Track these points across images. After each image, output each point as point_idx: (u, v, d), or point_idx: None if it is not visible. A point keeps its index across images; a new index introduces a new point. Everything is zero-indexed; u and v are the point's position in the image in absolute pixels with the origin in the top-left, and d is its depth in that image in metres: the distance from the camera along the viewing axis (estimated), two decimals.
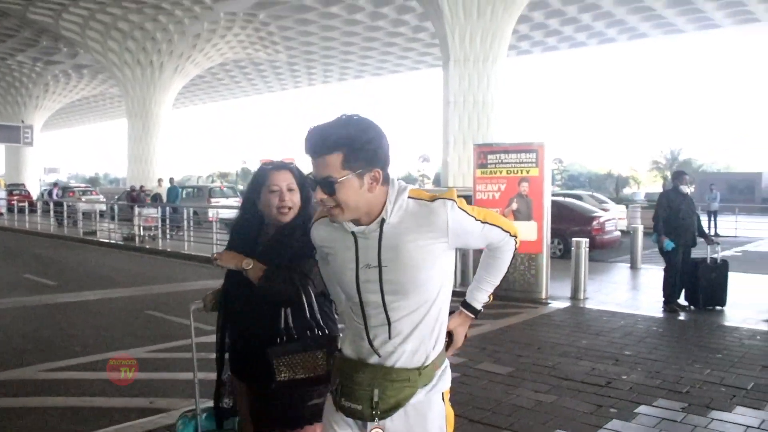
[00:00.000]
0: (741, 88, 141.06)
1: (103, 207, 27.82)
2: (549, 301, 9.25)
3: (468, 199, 9.69)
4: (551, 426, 4.41)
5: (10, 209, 29.97)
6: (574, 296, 9.42)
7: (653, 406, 4.82)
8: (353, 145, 1.84)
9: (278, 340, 2.42)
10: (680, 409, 4.77)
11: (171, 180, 23.48)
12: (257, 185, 2.59)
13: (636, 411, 4.71)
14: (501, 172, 9.73)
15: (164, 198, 21.23)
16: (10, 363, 6.14)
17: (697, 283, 8.61)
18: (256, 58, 59.83)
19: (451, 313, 2.08)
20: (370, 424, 1.96)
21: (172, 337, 6.99)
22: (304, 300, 2.43)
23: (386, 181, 1.93)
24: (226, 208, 20.83)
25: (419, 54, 58.88)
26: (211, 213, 21.56)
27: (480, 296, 2.18)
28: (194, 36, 48.53)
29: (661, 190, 52.32)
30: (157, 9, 44.29)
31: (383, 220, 1.91)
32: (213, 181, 67.46)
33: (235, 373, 2.66)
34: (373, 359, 1.97)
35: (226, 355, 2.71)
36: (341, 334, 2.17)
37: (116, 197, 32.72)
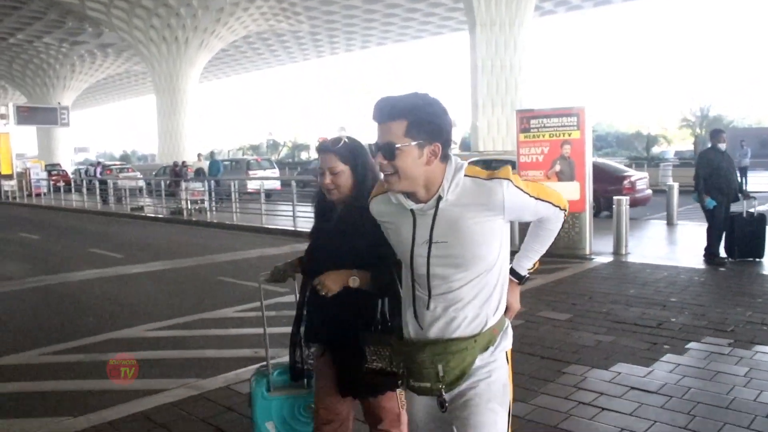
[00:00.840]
0: None
1: (142, 183, 28.81)
2: (593, 256, 9.78)
3: (512, 164, 10.19)
4: (614, 360, 4.98)
5: (50, 189, 31.04)
6: (617, 251, 9.93)
7: (702, 342, 5.38)
8: (417, 115, 1.93)
9: (372, 328, 2.50)
10: (726, 344, 5.31)
11: (212, 154, 24.21)
12: (317, 165, 2.74)
13: (687, 347, 5.26)
14: (544, 136, 10.22)
15: (206, 172, 21.93)
16: (117, 324, 6.87)
17: (734, 236, 9.09)
18: (279, 30, 59.98)
19: None
20: (438, 398, 2.05)
21: (251, 299, 7.62)
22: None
23: (445, 158, 2.00)
24: (271, 179, 21.57)
25: (442, 18, 58.66)
26: (250, 185, 22.34)
27: (526, 263, 2.26)
28: (218, 10, 48.85)
29: (691, 147, 51.94)
30: None
31: (440, 198, 1.98)
32: (243, 154, 68.05)
33: (322, 342, 2.74)
34: (431, 333, 2.05)
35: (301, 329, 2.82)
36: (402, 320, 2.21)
37: (153, 173, 33.68)
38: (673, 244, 11.54)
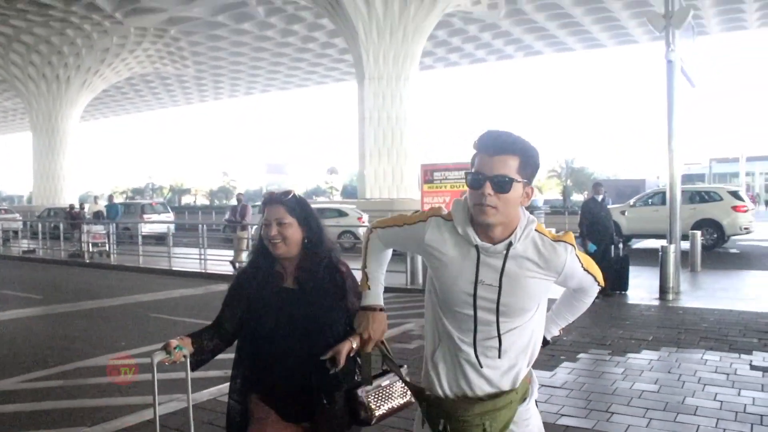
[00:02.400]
0: (625, 102, 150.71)
1: (20, 225, 28.34)
2: None
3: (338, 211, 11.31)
4: None
5: None
6: None
7: (589, 353, 6.79)
8: (527, 155, 1.96)
9: (355, 377, 2.53)
10: (607, 354, 6.76)
11: (110, 198, 24.25)
12: (261, 218, 2.66)
13: (578, 357, 6.65)
14: (446, 186, 11.67)
15: (104, 215, 22.05)
16: (40, 365, 7.49)
17: (606, 273, 10.80)
18: (164, 73, 59.64)
19: None
20: None
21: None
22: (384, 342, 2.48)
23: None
24: (158, 223, 21.91)
25: (326, 69, 60.45)
26: (146, 228, 22.68)
27: (553, 329, 2.32)
28: (103, 50, 48.19)
29: (560, 196, 55.78)
30: (65, 23, 43.68)
31: (510, 244, 1.99)
32: (127, 198, 66.43)
33: (281, 412, 2.59)
34: (480, 392, 2.04)
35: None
36: (430, 375, 2.16)
37: (36, 215, 32.97)
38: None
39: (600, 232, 10.67)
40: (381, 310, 2.26)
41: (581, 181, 66.54)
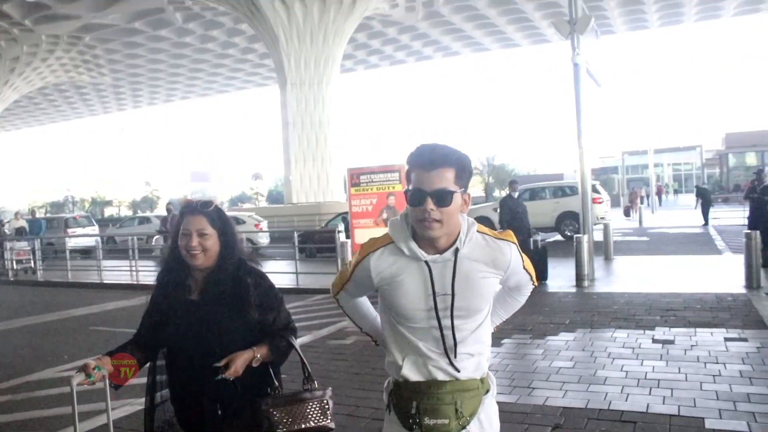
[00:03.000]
0: (541, 99, 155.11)
1: None
2: None
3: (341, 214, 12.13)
4: None
5: None
6: None
7: (512, 338, 7.38)
8: (462, 165, 2.03)
9: (269, 390, 2.52)
10: (528, 338, 7.39)
11: (33, 212, 23.75)
12: (178, 226, 2.59)
13: (502, 342, 7.23)
14: (372, 189, 12.15)
15: (27, 231, 21.63)
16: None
17: None
18: (80, 82, 58.27)
19: None
20: None
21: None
22: (300, 353, 2.58)
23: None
24: (87, 237, 21.61)
25: (247, 74, 60.25)
26: (71, 243, 22.35)
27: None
28: (12, 59, 46.86)
29: (482, 193, 57.22)
30: None
31: (457, 249, 2.06)
32: (46, 212, 64.35)
33: (185, 424, 2.60)
34: (450, 375, 2.10)
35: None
36: (396, 363, 2.17)
37: None
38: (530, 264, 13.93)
39: (518, 226, 11.37)
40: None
41: (502, 178, 68.26)
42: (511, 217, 11.44)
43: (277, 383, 2.54)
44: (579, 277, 11.06)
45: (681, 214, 33.41)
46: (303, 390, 2.52)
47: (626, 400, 5.09)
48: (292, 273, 13.57)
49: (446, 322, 2.08)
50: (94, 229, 26.69)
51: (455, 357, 2.09)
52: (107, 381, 2.54)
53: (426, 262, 2.06)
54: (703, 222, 24.81)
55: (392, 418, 2.19)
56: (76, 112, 75.69)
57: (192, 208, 2.56)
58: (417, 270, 2.08)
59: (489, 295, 2.14)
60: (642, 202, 46.87)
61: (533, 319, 8.38)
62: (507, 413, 4.81)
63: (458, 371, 2.09)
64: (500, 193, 56.64)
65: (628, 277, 12.05)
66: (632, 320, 8.01)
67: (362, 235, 12.07)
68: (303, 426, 2.45)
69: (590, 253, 11.32)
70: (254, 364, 2.44)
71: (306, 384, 2.54)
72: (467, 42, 52.27)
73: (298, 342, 2.64)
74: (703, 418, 4.59)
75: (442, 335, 2.09)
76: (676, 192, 64.28)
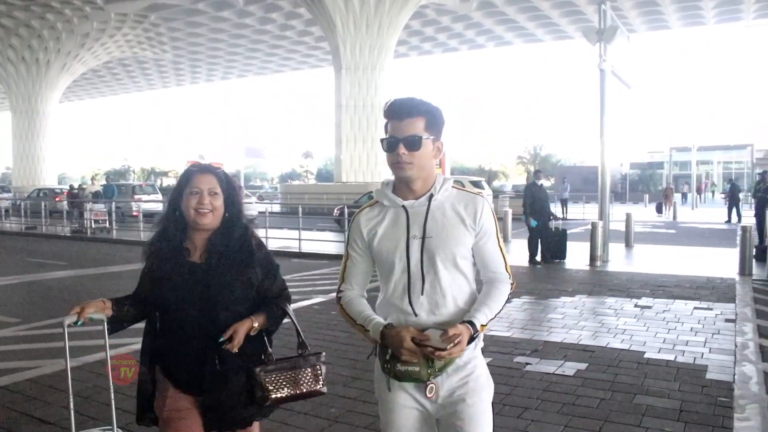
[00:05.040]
0: (590, 91, 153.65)
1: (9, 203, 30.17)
2: None
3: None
4: None
5: None
6: None
7: (520, 298, 9.02)
8: (432, 114, 2.24)
9: (263, 357, 2.53)
10: (534, 298, 9.04)
11: (108, 178, 26.05)
12: (181, 187, 2.56)
13: (511, 300, 8.87)
14: None
15: (102, 194, 23.89)
16: None
17: (547, 245, 13.11)
18: (142, 57, 60.38)
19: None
20: (426, 384, 2.20)
21: None
22: (293, 320, 2.59)
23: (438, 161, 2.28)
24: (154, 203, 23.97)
25: (303, 56, 61.69)
26: (143, 207, 24.72)
27: (479, 316, 2.19)
28: (83, 35, 49.00)
29: (524, 182, 58.47)
30: (45, 7, 44.32)
31: (431, 196, 2.24)
32: (109, 179, 67.29)
33: (181, 384, 2.57)
34: (423, 320, 2.21)
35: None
36: (381, 312, 2.31)
37: (27, 195, 34.70)
38: (507, 253, 15.46)
39: (539, 210, 12.91)
40: (387, 326, 2.24)
41: (547, 168, 69.18)
42: (532, 202, 12.98)
43: (270, 350, 2.57)
44: (592, 258, 12.58)
45: (719, 211, 34.19)
46: (296, 356, 2.59)
47: (593, 340, 6.71)
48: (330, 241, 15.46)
49: (414, 263, 2.23)
50: (158, 197, 28.93)
51: (422, 301, 2.22)
52: (105, 325, 2.56)
53: (404, 206, 2.27)
54: (726, 219, 25.48)
55: (376, 364, 2.35)
56: (136, 86, 78.17)
57: (202, 167, 2.59)
58: (396, 215, 2.29)
59: (465, 240, 2.23)
60: (684, 199, 47.56)
61: (543, 286, 10.01)
62: (501, 343, 6.48)
63: (429, 319, 2.21)
64: (549, 182, 57.40)
65: (639, 261, 13.55)
66: (625, 291, 9.58)
67: None
68: (296, 391, 2.54)
69: (604, 237, 12.81)
70: (252, 333, 2.48)
71: (299, 350, 2.61)
72: (520, 32, 52.88)
73: (292, 307, 2.72)
74: (643, 352, 6.18)
75: (411, 278, 2.23)
76: (713, 192, 63.65)
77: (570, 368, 5.67)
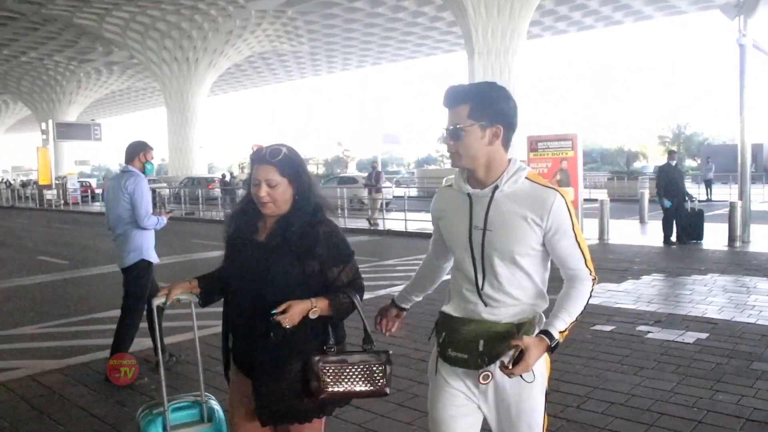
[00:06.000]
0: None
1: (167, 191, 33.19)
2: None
3: None
4: (600, 281, 8.78)
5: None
6: (601, 237, 13.87)
7: (650, 275, 9.22)
8: (479, 99, 2.13)
9: (324, 348, 2.44)
10: (663, 276, 9.26)
11: (242, 168, 28.16)
12: (250, 175, 2.55)
13: (641, 277, 9.08)
14: (547, 154, 14.09)
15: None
16: None
17: (682, 226, 13.05)
18: (281, 50, 62.92)
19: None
20: (480, 372, 2.15)
21: None
22: (361, 312, 2.45)
23: (507, 145, 2.19)
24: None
25: (435, 41, 62.06)
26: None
27: (557, 323, 2.14)
28: (227, 33, 51.80)
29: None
30: (194, 9, 47.24)
31: (496, 187, 2.15)
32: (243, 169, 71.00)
33: (242, 367, 2.56)
34: (478, 315, 2.19)
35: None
36: (452, 288, 2.34)
37: (181, 183, 37.80)
38: (643, 234, 15.49)
39: (673, 191, 12.87)
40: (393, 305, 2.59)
41: (692, 147, 65.97)
42: (667, 183, 12.95)
43: (333, 341, 2.47)
44: (731, 239, 12.42)
45: None
46: (360, 351, 2.47)
47: (718, 314, 6.96)
48: None
49: (477, 255, 2.19)
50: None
51: (483, 293, 2.20)
52: (193, 305, 2.68)
53: (468, 194, 2.22)
54: None
55: (433, 344, 2.39)
56: (276, 78, 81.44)
57: (260, 157, 2.48)
58: (461, 203, 2.24)
59: (526, 239, 2.14)
60: None
61: (674, 265, 10.18)
62: (625, 314, 6.88)
63: (487, 311, 2.19)
64: (695, 162, 54.81)
65: None
66: (762, 271, 9.62)
67: None
68: (354, 388, 2.42)
69: (744, 217, 12.59)
70: (311, 316, 2.37)
71: (364, 345, 2.48)
72: (660, 4, 50.72)
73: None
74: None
75: (474, 268, 2.21)
76: None
77: (690, 337, 5.99)
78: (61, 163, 67.63)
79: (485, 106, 2.14)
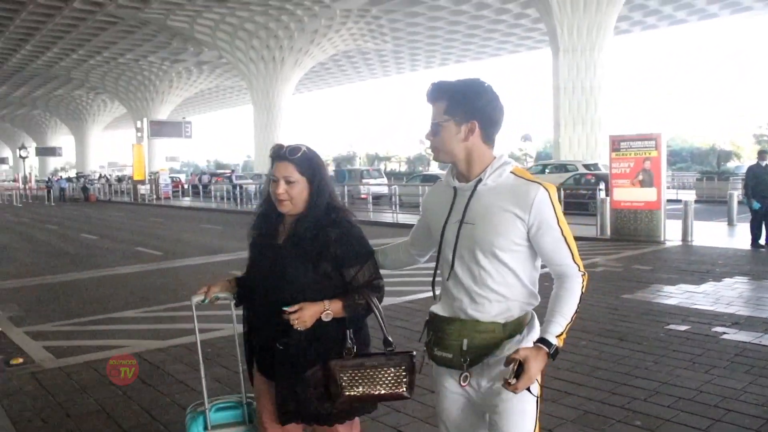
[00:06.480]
0: None
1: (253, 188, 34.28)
2: (666, 241, 13.48)
3: (601, 177, 14.06)
4: (680, 281, 8.72)
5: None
6: (684, 238, 13.61)
7: (732, 278, 9.10)
8: (455, 95, 2.16)
9: (344, 353, 2.43)
10: (747, 279, 9.15)
11: (338, 164, 28.73)
12: (269, 172, 2.57)
13: (723, 279, 8.97)
14: (630, 154, 13.92)
15: (334, 178, 26.35)
16: None
17: None
18: (364, 48, 63.65)
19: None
20: (461, 372, 2.15)
21: None
22: (378, 313, 2.46)
23: (488, 139, 2.19)
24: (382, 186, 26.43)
25: (519, 39, 61.42)
26: (364, 189, 27.04)
27: (551, 328, 2.10)
28: (312, 32, 52.77)
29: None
30: (281, 10, 48.33)
31: (479, 181, 2.16)
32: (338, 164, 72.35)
33: (263, 369, 2.61)
34: (464, 313, 2.17)
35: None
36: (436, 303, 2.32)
37: (264, 179, 39.29)
38: (730, 236, 15.10)
39: (762, 192, 12.50)
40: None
41: None
42: (755, 184, 12.60)
43: (351, 343, 2.45)
44: None
45: None
46: (379, 354, 2.45)
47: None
48: None
49: (446, 244, 2.24)
50: (383, 181, 31.19)
51: (449, 284, 2.24)
52: (232, 303, 2.71)
53: (454, 188, 2.24)
54: None
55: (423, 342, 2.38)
56: (359, 76, 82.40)
57: (279, 155, 2.50)
58: (447, 197, 2.27)
59: (508, 233, 2.12)
60: None
61: (760, 269, 10.15)
62: (701, 315, 6.94)
63: (472, 308, 2.17)
64: None
65: None
66: None
67: (620, 194, 14.03)
68: (372, 391, 2.40)
69: None
70: (324, 319, 2.38)
71: (385, 348, 2.45)
72: None
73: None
74: None
75: (438, 261, 2.28)
76: None
77: None
78: (153, 159, 71.00)
79: (460, 102, 2.17)
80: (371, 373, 2.38)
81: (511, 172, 2.18)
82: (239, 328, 2.79)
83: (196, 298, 2.63)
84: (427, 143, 2.29)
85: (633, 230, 13.89)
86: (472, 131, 2.16)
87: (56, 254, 15.05)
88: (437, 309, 2.29)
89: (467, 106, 2.16)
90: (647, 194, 13.60)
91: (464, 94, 2.17)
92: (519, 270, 2.17)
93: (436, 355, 2.23)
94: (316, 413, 2.46)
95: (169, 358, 5.92)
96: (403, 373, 2.40)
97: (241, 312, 2.73)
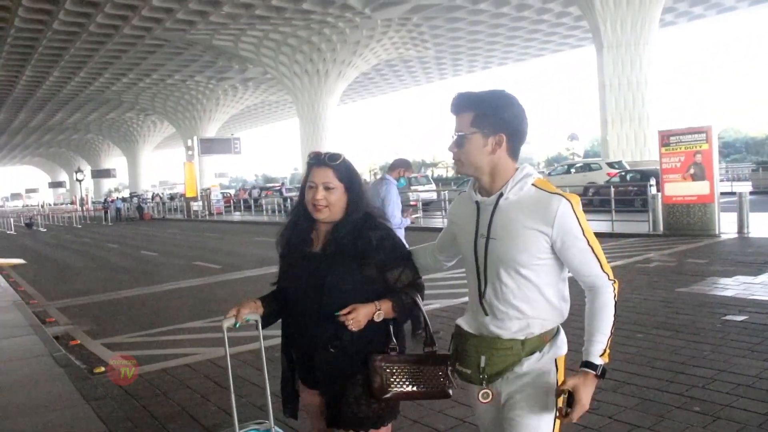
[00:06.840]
0: None
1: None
2: (721, 234, 13.37)
3: (649, 173, 13.97)
4: (735, 273, 8.67)
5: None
6: (740, 230, 13.47)
7: None
8: (482, 107, 2.12)
9: (388, 350, 2.46)
10: None
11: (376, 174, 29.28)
12: (304, 179, 2.57)
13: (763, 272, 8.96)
14: (680, 148, 13.84)
15: None
16: None
17: None
18: (407, 56, 63.85)
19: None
20: (479, 387, 2.17)
21: None
22: (423, 312, 2.50)
23: (513, 153, 2.17)
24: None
25: (562, 37, 60.84)
26: (413, 197, 27.20)
27: (593, 349, 2.08)
28: (354, 43, 53.27)
29: None
30: (322, 23, 48.91)
31: (501, 195, 2.12)
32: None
33: (306, 380, 2.60)
34: (485, 328, 2.17)
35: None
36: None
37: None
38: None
39: None
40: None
41: None
42: None
43: (395, 342, 2.49)
44: None
45: None
46: (423, 352, 2.49)
47: None
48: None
49: (480, 263, 2.18)
50: (432, 187, 31.38)
51: (485, 302, 2.18)
52: (259, 325, 2.62)
53: (477, 202, 2.21)
54: None
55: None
56: (402, 84, 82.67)
57: (319, 160, 2.51)
58: (471, 211, 2.23)
59: (530, 248, 2.09)
60: None
61: None
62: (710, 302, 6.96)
63: (493, 324, 2.16)
64: None
65: None
66: None
67: (672, 189, 13.96)
68: (417, 388, 2.42)
69: None
70: (376, 319, 2.40)
71: (427, 346, 2.50)
72: None
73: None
74: None
75: (478, 276, 2.20)
76: None
77: None
78: (203, 176, 72.34)
79: (488, 114, 2.13)
80: (416, 370, 2.42)
81: (532, 184, 2.14)
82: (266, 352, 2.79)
83: (228, 323, 2.54)
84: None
85: (686, 225, 13.80)
86: (500, 144, 2.13)
87: (119, 271, 15.65)
88: (462, 322, 2.30)
89: (495, 118, 2.12)
90: (700, 188, 13.52)
91: (492, 106, 2.13)
92: (542, 284, 2.14)
93: (457, 370, 2.27)
94: (363, 416, 2.46)
95: (239, 363, 6.19)
96: (446, 372, 2.42)
97: (266, 332, 2.67)
